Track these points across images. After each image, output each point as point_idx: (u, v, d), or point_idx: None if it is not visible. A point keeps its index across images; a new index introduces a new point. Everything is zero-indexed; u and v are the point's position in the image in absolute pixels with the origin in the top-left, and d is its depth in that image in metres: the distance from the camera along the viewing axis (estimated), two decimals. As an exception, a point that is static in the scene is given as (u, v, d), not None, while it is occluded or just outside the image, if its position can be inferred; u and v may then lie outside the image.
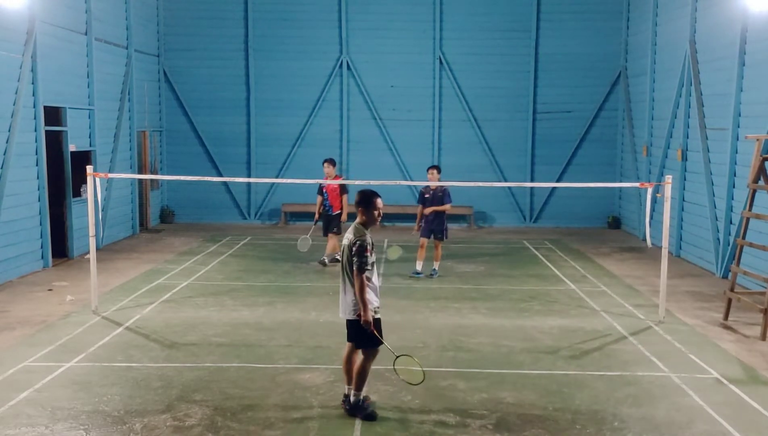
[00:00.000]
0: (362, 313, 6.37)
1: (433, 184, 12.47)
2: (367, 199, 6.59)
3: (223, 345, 8.73)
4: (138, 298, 11.01)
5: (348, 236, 6.53)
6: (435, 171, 12.58)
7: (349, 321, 6.58)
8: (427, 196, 12.74)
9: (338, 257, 13.47)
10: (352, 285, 6.41)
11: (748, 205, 10.15)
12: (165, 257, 14.47)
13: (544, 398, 7.14)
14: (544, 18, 19.17)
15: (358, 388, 6.61)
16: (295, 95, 19.41)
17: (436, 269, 12.86)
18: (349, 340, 6.69)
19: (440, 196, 12.67)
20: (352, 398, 6.63)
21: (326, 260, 13.60)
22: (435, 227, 12.65)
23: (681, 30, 15.33)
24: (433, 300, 11.16)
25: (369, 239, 6.50)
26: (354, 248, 6.37)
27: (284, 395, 7.12)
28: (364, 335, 6.46)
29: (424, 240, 12.79)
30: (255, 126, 19.56)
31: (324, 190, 13.59)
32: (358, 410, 6.59)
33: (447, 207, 12.71)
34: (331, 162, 13.52)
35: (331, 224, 13.71)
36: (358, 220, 6.60)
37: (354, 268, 6.35)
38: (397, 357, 6.45)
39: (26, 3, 12.26)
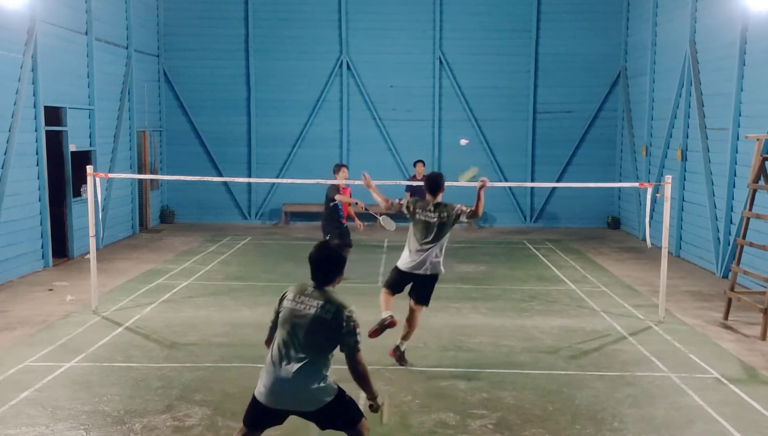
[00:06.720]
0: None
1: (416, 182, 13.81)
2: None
3: (223, 345, 8.73)
4: (138, 298, 11.01)
5: (444, 208, 7.92)
6: (422, 165, 14.56)
7: (433, 276, 8.05)
8: (414, 185, 13.82)
9: None
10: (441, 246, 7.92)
11: (748, 205, 10.16)
12: (165, 257, 14.47)
13: (544, 398, 7.15)
14: (544, 18, 19.17)
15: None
16: (295, 95, 19.41)
17: None
18: (425, 300, 8.16)
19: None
20: (403, 348, 8.05)
21: None
22: None
23: (681, 30, 15.33)
24: (433, 300, 10.98)
25: None
26: (460, 213, 7.88)
27: (284, 395, 7.12)
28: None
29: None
30: (255, 126, 19.56)
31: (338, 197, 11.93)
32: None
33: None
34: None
35: (344, 235, 12.00)
36: (438, 198, 8.04)
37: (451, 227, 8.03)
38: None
39: (26, 3, 12.25)
